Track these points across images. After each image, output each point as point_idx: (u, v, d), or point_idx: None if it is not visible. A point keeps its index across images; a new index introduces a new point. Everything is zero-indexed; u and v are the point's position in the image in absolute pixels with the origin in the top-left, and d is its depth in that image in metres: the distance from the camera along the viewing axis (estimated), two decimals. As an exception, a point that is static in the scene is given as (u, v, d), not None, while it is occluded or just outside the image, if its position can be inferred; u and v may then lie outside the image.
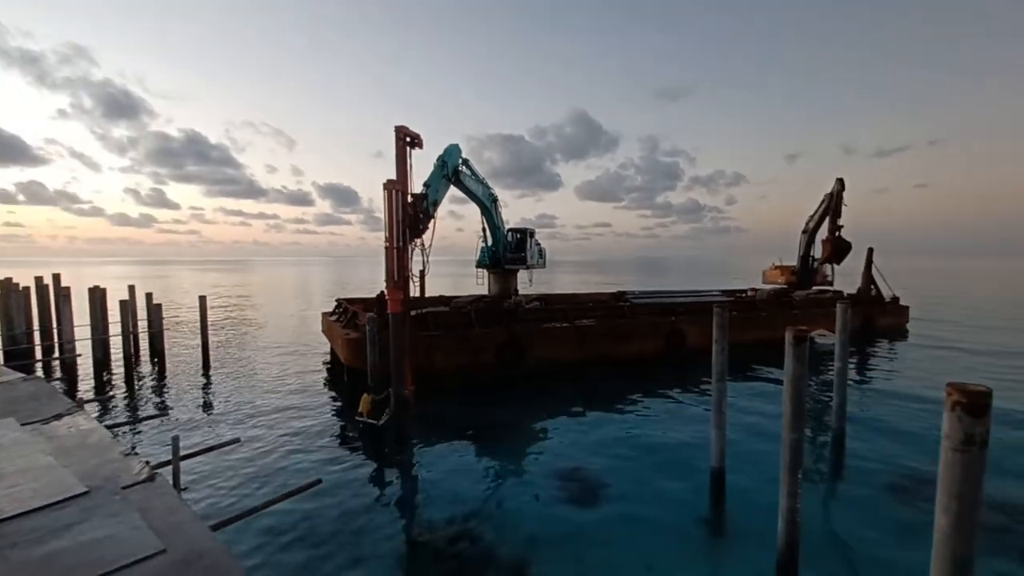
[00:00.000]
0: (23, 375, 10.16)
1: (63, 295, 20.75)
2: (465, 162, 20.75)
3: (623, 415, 15.87)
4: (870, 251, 33.53)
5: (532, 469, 11.94)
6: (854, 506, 10.19)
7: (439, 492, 10.71)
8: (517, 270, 25.92)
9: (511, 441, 13.90)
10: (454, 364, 19.36)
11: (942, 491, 4.34)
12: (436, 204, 18.25)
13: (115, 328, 22.13)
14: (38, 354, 21.99)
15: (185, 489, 8.59)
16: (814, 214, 33.99)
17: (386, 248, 15.90)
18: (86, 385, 19.18)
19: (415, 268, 16.84)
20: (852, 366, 21.73)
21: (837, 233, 32.88)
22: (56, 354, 21.72)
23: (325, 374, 21.26)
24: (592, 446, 13.20)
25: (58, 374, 20.40)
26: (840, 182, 32.28)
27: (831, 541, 8.96)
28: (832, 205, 32.66)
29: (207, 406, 16.71)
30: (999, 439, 13.19)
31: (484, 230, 24.40)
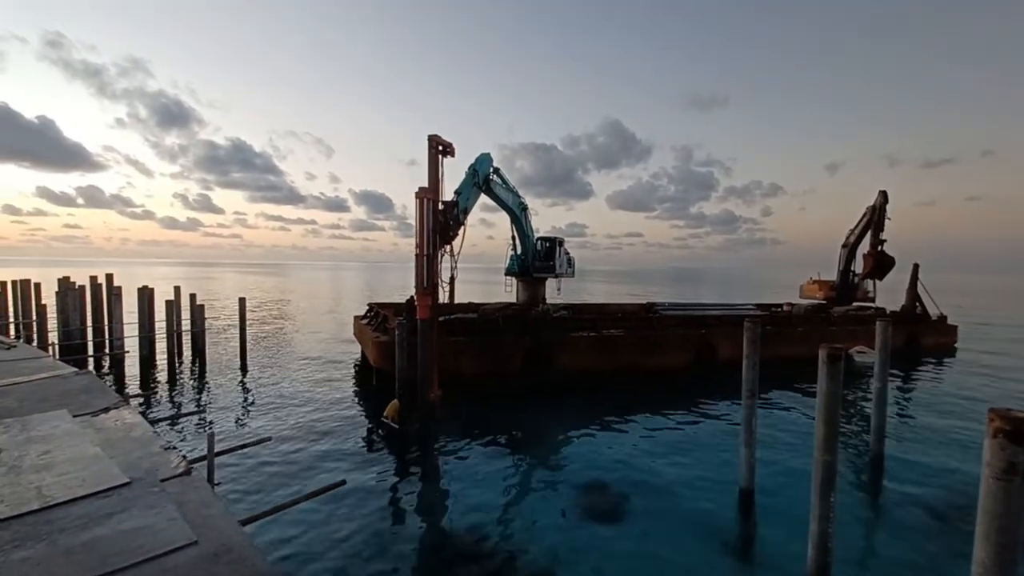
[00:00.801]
0: (76, 369, 10.81)
1: (115, 294, 22.10)
2: (496, 171, 21.02)
3: (650, 428, 15.58)
4: (915, 267, 31.94)
5: (555, 479, 11.86)
6: (890, 533, 9.68)
7: (461, 498, 10.78)
8: (546, 278, 25.95)
9: (535, 450, 13.86)
10: (481, 370, 19.48)
11: (982, 521, 4.12)
12: (466, 212, 18.55)
13: (161, 327, 23.35)
14: (90, 349, 23.33)
15: (218, 484, 8.95)
16: (855, 227, 32.69)
17: (416, 255, 16.25)
18: (132, 380, 20.23)
19: (444, 275, 17.14)
20: (894, 387, 20.71)
21: (880, 247, 31.49)
22: (107, 350, 23.01)
23: (355, 376, 21.74)
24: (617, 458, 13.01)
25: (108, 369, 21.59)
26: (883, 194, 30.98)
27: (863, 569, 8.54)
28: (875, 218, 31.35)
29: (242, 404, 17.35)
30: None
31: (513, 238, 24.59)
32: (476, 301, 29.38)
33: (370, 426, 15.21)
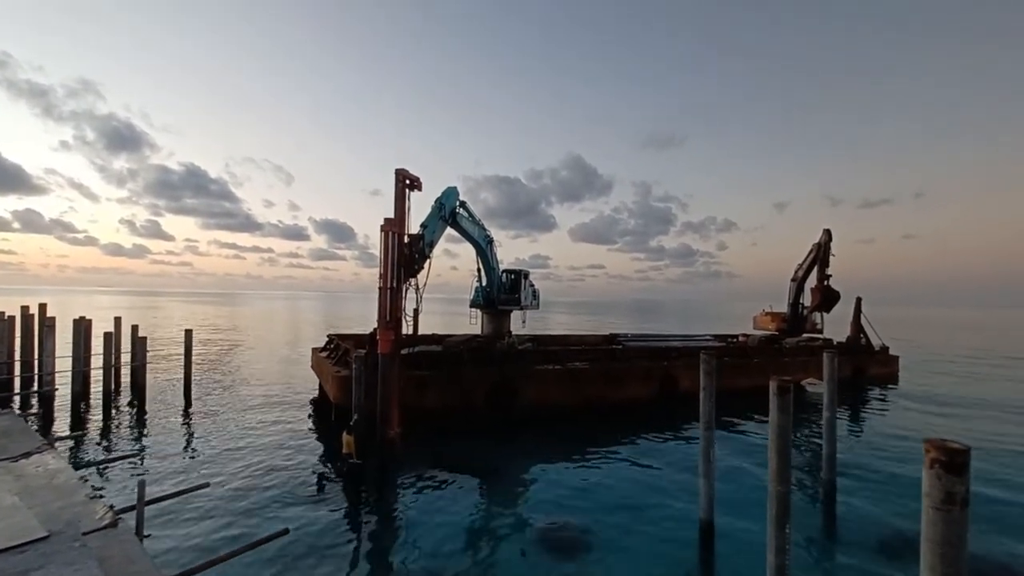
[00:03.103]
0: (-4, 409, 9.87)
1: (47, 325, 20.48)
2: (463, 204, 21.17)
3: (612, 461, 15.52)
4: (858, 300, 33.93)
5: (519, 516, 11.54)
6: (845, 565, 9.86)
7: (417, 543, 10.28)
8: (511, 311, 25.95)
9: (498, 487, 13.49)
10: (445, 404, 19.02)
11: (926, 551, 4.25)
12: (432, 245, 18.50)
13: (98, 360, 21.73)
14: (16, 386, 21.41)
15: (148, 536, 8.22)
16: (803, 263, 34.59)
17: (380, 288, 15.97)
18: (62, 420, 18.59)
19: (409, 307, 16.87)
20: (843, 416, 21.55)
21: (826, 282, 33.36)
22: (35, 387, 21.17)
23: (311, 413, 20.76)
24: (580, 493, 12.83)
25: (35, 408, 19.79)
26: (827, 232, 33.04)
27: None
28: (820, 255, 33.30)
29: (183, 446, 16.17)
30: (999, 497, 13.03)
31: (479, 270, 24.59)
32: (440, 332, 28.96)
33: (325, 466, 14.44)
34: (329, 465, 14.46)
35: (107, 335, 21.87)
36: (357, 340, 23.27)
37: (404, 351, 17.86)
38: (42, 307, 23.80)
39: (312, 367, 25.34)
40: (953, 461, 4.15)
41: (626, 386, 22.87)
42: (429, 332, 27.58)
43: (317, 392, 23.81)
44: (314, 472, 13.95)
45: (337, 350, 22.05)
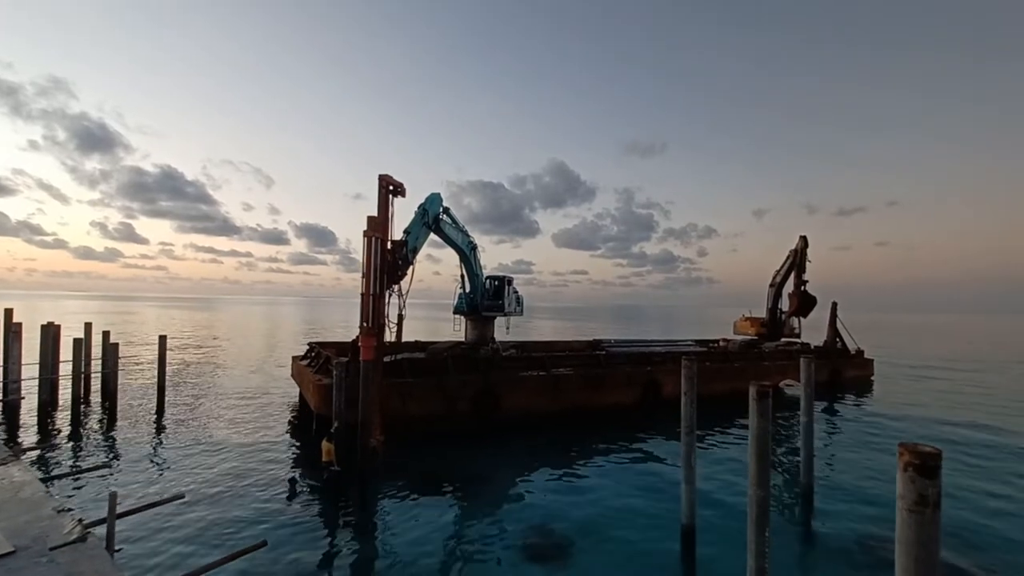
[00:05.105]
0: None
1: (13, 331, 19.71)
2: (446, 210, 21.13)
3: (596, 467, 15.57)
4: (834, 305, 34.83)
5: (501, 524, 11.48)
6: (823, 567, 10.06)
7: (399, 551, 10.15)
8: (495, 317, 25.91)
9: (481, 494, 13.41)
10: (429, 411, 18.85)
11: (900, 553, 4.35)
12: (415, 251, 18.40)
13: (67, 368, 20.98)
14: (-21, 395, 20.52)
15: (119, 550, 7.94)
16: (780, 268, 35.39)
17: (363, 294, 15.80)
18: (28, 430, 17.90)
19: (392, 313, 16.72)
20: (820, 419, 22.02)
21: (803, 288, 34.18)
22: (0, 395, 20.34)
23: (291, 422, 20.37)
24: (563, 501, 12.83)
25: (0, 418, 19.01)
26: (803, 239, 33.90)
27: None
28: (797, 261, 34.13)
29: (156, 456, 15.70)
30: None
31: (462, 276, 24.52)
32: (423, 339, 28.76)
33: (305, 476, 14.16)
34: (309, 475, 14.19)
35: (76, 341, 21.17)
36: (339, 348, 22.93)
37: (387, 358, 17.67)
38: (8, 312, 22.88)
39: (292, 376, 24.89)
40: (925, 464, 4.27)
41: (610, 392, 23.00)
42: (412, 339, 27.39)
43: (297, 401, 23.39)
44: (293, 482, 13.68)
45: (318, 358, 21.70)
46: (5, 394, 19.98)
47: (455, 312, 25.61)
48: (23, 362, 19.69)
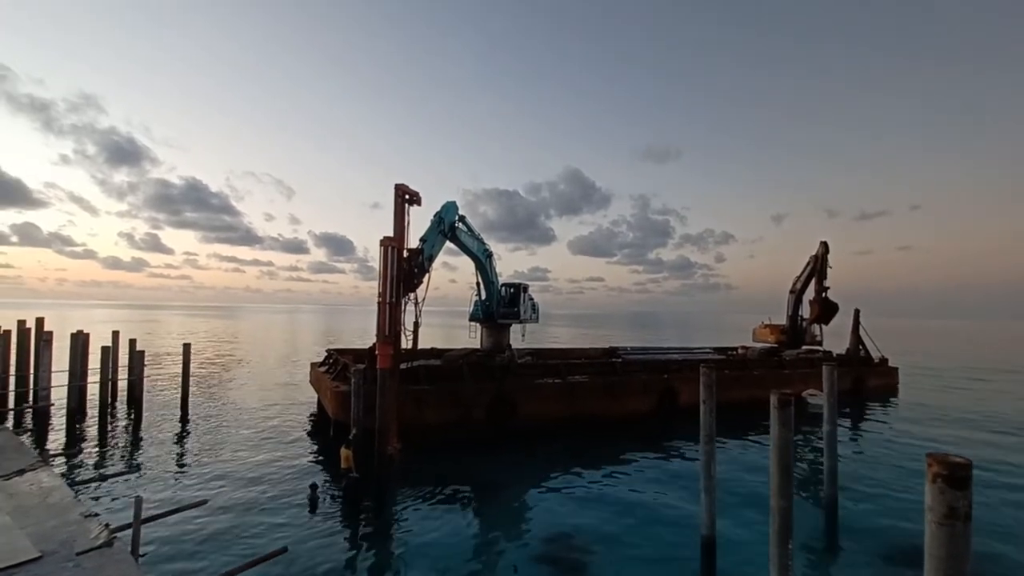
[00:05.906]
0: (-9, 425, 9.79)
1: (44, 340, 20.34)
2: (462, 219, 21.28)
3: (613, 476, 15.38)
4: (856, 312, 33.97)
5: (519, 533, 11.41)
6: (850, 580, 9.75)
7: (417, 556, 10.16)
8: (510, 324, 25.91)
9: (497, 502, 13.35)
10: (445, 419, 18.88)
11: (929, 567, 4.21)
12: (431, 259, 18.56)
13: (95, 375, 21.57)
14: (11, 402, 21.22)
15: (144, 555, 8.10)
16: (801, 275, 34.71)
17: (379, 303, 15.97)
18: (57, 436, 18.42)
19: (408, 321, 16.86)
20: (844, 428, 21.44)
21: (824, 294, 33.45)
22: (30, 402, 20.98)
23: (309, 428, 20.59)
24: (580, 509, 12.70)
25: (30, 424, 19.62)
26: (824, 245, 33.22)
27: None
28: (818, 267, 33.44)
29: (180, 462, 16.02)
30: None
31: (478, 284, 24.62)
32: (439, 346, 28.87)
33: (323, 482, 14.28)
34: (328, 481, 14.30)
35: (104, 349, 21.78)
36: (356, 355, 23.16)
37: (403, 365, 17.79)
38: (39, 321, 23.69)
39: (311, 382, 25.20)
40: (955, 475, 4.13)
41: (626, 400, 22.75)
42: (428, 346, 27.51)
43: (316, 407, 23.65)
44: (313, 488, 13.80)
45: (336, 365, 21.95)
46: (35, 400, 20.62)
47: (471, 319, 25.69)
48: (52, 369, 20.33)
